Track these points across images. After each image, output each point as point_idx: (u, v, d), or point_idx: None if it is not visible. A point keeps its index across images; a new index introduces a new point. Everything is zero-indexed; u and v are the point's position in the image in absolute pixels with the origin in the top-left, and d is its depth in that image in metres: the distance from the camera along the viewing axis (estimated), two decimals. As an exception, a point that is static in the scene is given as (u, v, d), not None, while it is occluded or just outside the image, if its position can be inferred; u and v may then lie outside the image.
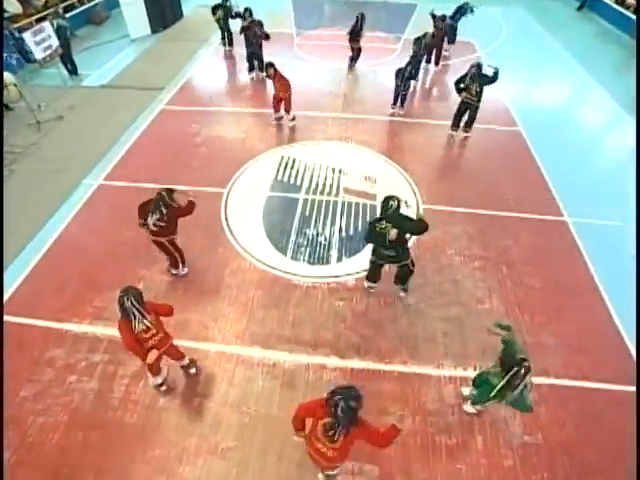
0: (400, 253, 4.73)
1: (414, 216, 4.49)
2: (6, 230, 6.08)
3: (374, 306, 5.03)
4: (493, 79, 7.42)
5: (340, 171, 7.22)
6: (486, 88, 7.47)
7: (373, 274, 5.10)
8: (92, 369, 4.45)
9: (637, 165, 7.37)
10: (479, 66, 7.42)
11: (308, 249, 5.76)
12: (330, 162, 7.42)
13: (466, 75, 7.55)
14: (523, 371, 3.16)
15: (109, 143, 7.93)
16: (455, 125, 8.14)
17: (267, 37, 9.71)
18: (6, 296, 5.16)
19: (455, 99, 8.14)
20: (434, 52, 10.73)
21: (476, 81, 7.43)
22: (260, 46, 9.87)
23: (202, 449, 3.84)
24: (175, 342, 4.19)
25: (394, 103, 8.73)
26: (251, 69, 10.21)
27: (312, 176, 7.11)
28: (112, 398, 4.20)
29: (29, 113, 8.53)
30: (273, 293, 5.18)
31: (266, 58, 9.39)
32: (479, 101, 7.64)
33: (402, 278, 5.09)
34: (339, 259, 5.60)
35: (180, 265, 5.34)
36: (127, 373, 4.42)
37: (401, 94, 8.57)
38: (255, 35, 9.59)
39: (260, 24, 9.68)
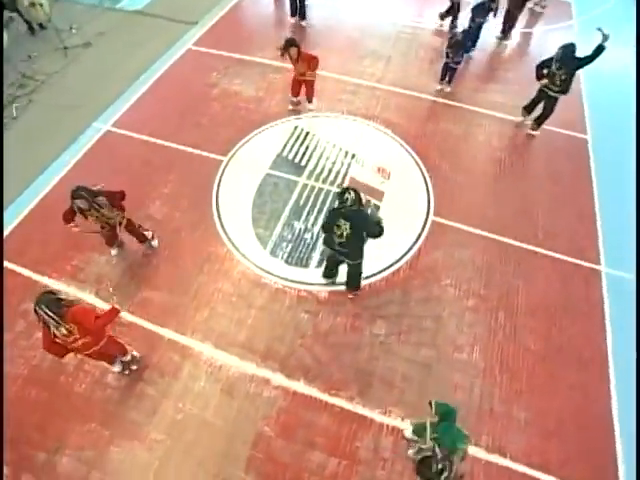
0: (352, 251, 4.42)
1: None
2: (12, 167, 6.20)
3: (339, 328, 4.70)
4: (592, 58, 5.79)
5: (353, 156, 6.50)
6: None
7: (328, 268, 4.92)
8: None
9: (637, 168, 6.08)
10: (572, 48, 5.86)
11: (290, 245, 5.41)
12: (345, 143, 6.67)
13: (552, 59, 6.07)
14: (439, 466, 2.84)
15: (128, 82, 7.64)
16: (527, 110, 6.85)
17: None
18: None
19: (526, 86, 6.83)
20: (509, 17, 8.74)
21: (564, 67, 5.96)
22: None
23: (133, 434, 4.01)
24: (135, 319, 4.21)
25: (442, 79, 7.48)
26: (293, 13, 9.05)
27: (320, 157, 6.48)
28: (68, 364, 4.41)
29: (58, 36, 8.35)
30: (240, 289, 4.99)
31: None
32: (563, 92, 6.22)
33: (350, 279, 4.81)
34: (319, 264, 5.24)
35: (147, 242, 5.26)
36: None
37: (450, 68, 7.32)
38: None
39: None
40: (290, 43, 6.34)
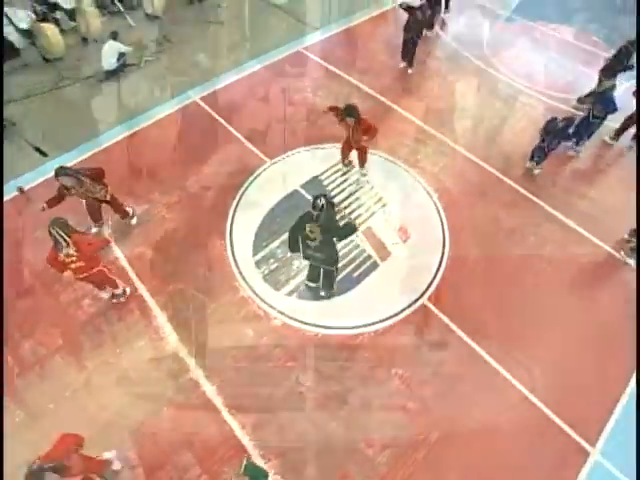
0: (327, 257, 4.65)
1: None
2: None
3: (273, 358, 4.67)
4: None
5: (383, 205, 6.21)
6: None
7: (311, 273, 5.16)
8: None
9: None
10: None
11: (276, 264, 5.49)
12: (384, 190, 6.38)
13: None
14: None
15: (237, 64, 8.39)
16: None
17: (431, 26, 8.12)
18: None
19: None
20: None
21: None
22: (419, 33, 8.05)
23: (75, 355, 4.67)
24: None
25: (531, 158, 6.66)
26: (404, 56, 8.49)
27: (352, 194, 6.34)
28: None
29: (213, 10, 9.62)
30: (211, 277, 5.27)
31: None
32: None
33: (325, 281, 5.10)
34: (290, 293, 5.23)
35: (128, 218, 5.80)
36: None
37: (540, 150, 6.49)
38: (417, 20, 7.82)
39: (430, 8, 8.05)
40: (349, 113, 5.76)
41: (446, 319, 5.01)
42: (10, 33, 8.10)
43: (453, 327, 4.94)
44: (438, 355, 4.79)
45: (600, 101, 6.65)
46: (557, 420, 4.31)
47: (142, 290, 5.12)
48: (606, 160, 7.13)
